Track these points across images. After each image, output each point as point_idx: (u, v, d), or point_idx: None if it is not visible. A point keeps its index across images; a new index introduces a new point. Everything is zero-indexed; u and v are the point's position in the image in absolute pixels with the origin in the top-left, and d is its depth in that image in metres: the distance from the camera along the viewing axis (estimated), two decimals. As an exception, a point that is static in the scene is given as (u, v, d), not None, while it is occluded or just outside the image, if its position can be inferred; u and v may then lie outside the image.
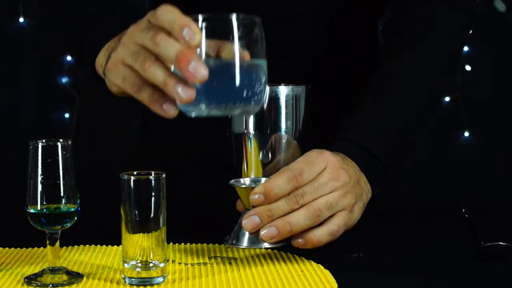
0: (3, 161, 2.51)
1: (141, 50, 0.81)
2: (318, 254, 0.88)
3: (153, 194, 0.79)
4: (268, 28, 1.13)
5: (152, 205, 0.79)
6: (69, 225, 0.82)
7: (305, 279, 0.80)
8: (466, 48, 2.66)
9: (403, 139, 1.03)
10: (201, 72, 0.76)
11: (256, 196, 0.87)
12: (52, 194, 0.80)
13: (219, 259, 0.89)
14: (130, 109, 1.17)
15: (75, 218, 0.82)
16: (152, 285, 0.79)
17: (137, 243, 0.79)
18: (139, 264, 0.79)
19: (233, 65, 0.79)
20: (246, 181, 0.93)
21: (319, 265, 0.85)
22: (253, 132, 0.93)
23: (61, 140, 0.81)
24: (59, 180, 0.80)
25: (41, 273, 0.81)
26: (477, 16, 1.15)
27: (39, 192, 0.80)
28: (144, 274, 0.79)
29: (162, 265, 0.80)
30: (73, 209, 0.81)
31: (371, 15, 1.22)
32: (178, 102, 0.80)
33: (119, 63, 0.84)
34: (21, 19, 2.56)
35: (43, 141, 0.80)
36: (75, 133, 2.55)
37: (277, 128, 0.93)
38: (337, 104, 1.14)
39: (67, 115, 2.58)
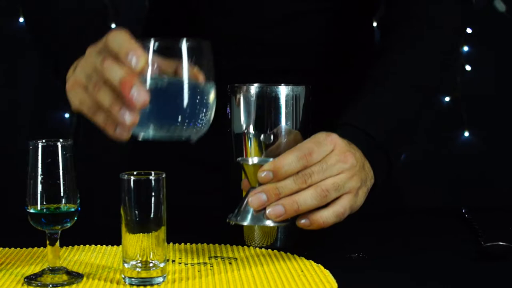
0: (3, 161, 2.51)
1: (94, 73, 0.84)
2: (318, 254, 0.88)
3: (153, 194, 0.79)
4: (267, 28, 1.14)
5: (152, 205, 0.79)
6: (69, 225, 0.82)
7: (305, 279, 0.80)
8: (466, 48, 2.66)
9: (406, 130, 1.03)
10: (141, 97, 0.79)
11: (265, 173, 0.87)
12: (52, 194, 0.80)
13: (219, 259, 0.89)
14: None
15: (75, 218, 0.82)
16: (152, 285, 0.79)
17: (137, 243, 0.79)
18: (139, 264, 0.79)
19: (178, 87, 0.81)
20: (254, 159, 0.93)
21: (319, 265, 0.85)
22: (253, 132, 0.93)
23: (61, 140, 0.81)
24: (59, 180, 0.80)
25: (41, 273, 0.81)
26: (476, 16, 1.15)
27: (39, 192, 0.80)
28: (144, 274, 0.79)
29: (162, 265, 0.80)
30: (73, 209, 0.81)
31: (368, 13, 1.22)
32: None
33: (76, 85, 0.86)
34: (21, 19, 2.56)
35: (43, 141, 0.80)
36: (75, 133, 2.55)
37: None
38: (337, 104, 1.14)
39: (67, 115, 2.58)
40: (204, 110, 0.83)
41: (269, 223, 0.88)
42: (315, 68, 1.15)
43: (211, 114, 0.84)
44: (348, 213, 0.90)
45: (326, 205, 0.88)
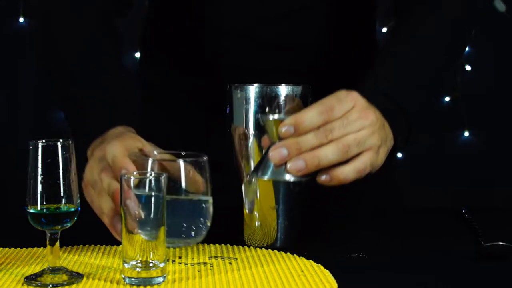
0: (3, 161, 2.51)
1: (98, 180, 0.88)
2: (318, 254, 0.88)
3: (152, 194, 0.79)
4: (268, 26, 1.14)
5: (152, 205, 0.79)
6: (69, 225, 0.82)
7: (305, 279, 0.80)
8: (466, 48, 2.66)
9: (423, 95, 1.04)
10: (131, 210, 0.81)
11: (285, 128, 0.88)
12: (52, 194, 0.80)
13: (219, 259, 0.89)
14: (129, 109, 1.17)
15: (75, 218, 0.82)
16: (152, 285, 0.79)
17: (137, 243, 0.79)
18: (139, 264, 0.79)
19: (175, 206, 0.84)
20: (274, 115, 0.92)
21: (319, 265, 0.85)
22: (253, 132, 0.93)
23: (61, 140, 0.81)
24: (59, 180, 0.80)
25: (41, 273, 0.81)
26: (476, 16, 1.15)
27: (39, 192, 0.80)
28: (144, 274, 0.79)
29: (162, 265, 0.79)
30: (73, 209, 0.81)
31: (368, 11, 1.22)
32: None
33: (87, 186, 0.90)
34: (21, 19, 2.56)
35: (43, 141, 0.80)
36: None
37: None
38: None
39: (67, 115, 2.58)
40: (201, 224, 0.85)
41: (289, 177, 0.88)
42: (315, 68, 1.15)
43: (209, 224, 0.86)
44: (369, 170, 0.90)
45: (347, 161, 0.89)
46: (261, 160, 0.91)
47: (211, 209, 0.87)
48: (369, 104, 0.93)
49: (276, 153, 0.88)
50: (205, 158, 0.87)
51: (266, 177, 0.90)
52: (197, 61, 1.17)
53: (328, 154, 0.87)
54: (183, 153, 0.88)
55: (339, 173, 0.89)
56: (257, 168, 0.92)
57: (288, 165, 0.88)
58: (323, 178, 0.89)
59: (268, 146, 0.91)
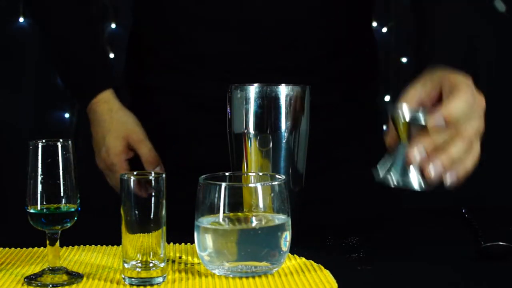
0: (3, 161, 2.51)
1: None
2: (318, 254, 0.88)
3: (153, 194, 0.79)
4: (269, 29, 1.14)
5: (152, 205, 0.79)
6: (69, 225, 0.82)
7: (305, 279, 0.80)
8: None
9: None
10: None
11: (436, 121, 0.85)
12: (52, 194, 0.80)
13: (219, 259, 0.89)
14: (129, 109, 1.17)
15: (75, 218, 0.82)
16: (152, 285, 0.79)
17: (137, 243, 0.79)
18: (139, 264, 0.79)
19: (247, 235, 0.82)
20: (404, 111, 0.87)
21: (319, 265, 0.85)
22: (253, 132, 0.93)
23: (61, 140, 0.81)
24: (59, 180, 0.80)
25: (41, 273, 0.81)
26: (476, 16, 1.15)
27: (39, 192, 0.80)
28: (144, 274, 0.79)
29: (162, 265, 0.80)
30: (73, 209, 0.81)
31: (368, 13, 1.22)
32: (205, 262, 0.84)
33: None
34: (21, 19, 2.56)
35: (43, 141, 0.80)
36: (75, 133, 2.55)
37: (277, 128, 0.93)
38: (337, 104, 1.14)
39: (67, 115, 2.58)
40: (277, 249, 0.82)
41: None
42: (315, 68, 1.15)
43: (287, 249, 0.84)
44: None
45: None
46: (391, 160, 0.88)
47: (288, 235, 0.84)
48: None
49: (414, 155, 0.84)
50: (283, 177, 0.84)
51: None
52: (195, 60, 1.17)
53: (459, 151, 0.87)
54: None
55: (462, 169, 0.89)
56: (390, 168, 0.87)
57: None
58: (449, 181, 0.89)
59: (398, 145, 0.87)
